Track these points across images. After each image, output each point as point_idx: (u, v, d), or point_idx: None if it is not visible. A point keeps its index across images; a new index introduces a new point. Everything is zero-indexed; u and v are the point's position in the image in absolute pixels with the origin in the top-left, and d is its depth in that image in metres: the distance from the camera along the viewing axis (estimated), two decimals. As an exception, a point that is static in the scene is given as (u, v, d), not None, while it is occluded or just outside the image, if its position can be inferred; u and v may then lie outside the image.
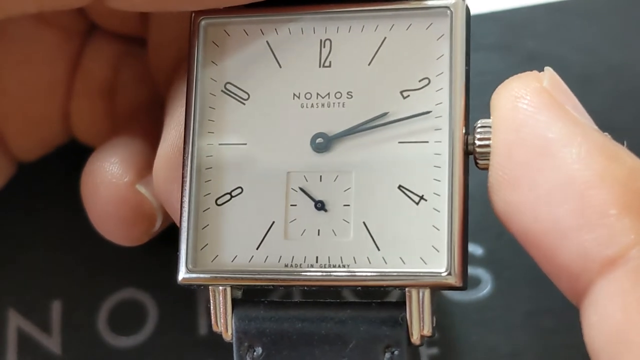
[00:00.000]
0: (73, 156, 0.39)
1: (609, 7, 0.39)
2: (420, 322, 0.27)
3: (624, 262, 0.23)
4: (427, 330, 0.27)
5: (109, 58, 0.37)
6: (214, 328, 0.29)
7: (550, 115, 0.26)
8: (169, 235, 0.35)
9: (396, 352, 0.27)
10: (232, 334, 0.29)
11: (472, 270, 0.35)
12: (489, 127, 0.27)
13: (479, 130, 0.28)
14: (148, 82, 0.37)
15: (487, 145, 0.27)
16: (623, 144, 0.26)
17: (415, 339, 0.28)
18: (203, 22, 0.30)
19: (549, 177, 0.25)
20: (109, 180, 0.33)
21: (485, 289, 0.36)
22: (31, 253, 0.39)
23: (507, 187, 0.26)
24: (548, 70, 0.27)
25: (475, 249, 0.36)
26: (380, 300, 0.28)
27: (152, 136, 0.34)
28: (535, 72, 0.27)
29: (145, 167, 0.33)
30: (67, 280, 0.38)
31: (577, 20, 0.40)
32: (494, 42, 0.40)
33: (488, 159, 0.27)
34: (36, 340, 0.38)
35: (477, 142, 0.27)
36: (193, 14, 0.30)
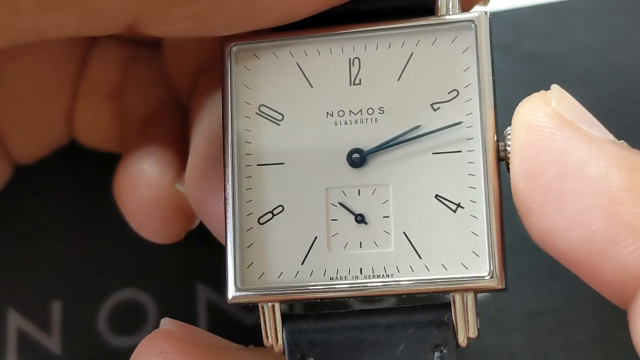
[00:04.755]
0: (74, 157, 0.39)
1: (609, 7, 0.40)
2: (465, 324, 0.28)
3: None
4: (472, 332, 0.28)
5: (117, 61, 0.37)
6: (265, 343, 0.30)
7: (564, 138, 0.26)
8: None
9: (445, 351, 0.28)
10: (284, 347, 0.29)
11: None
12: None
13: (509, 136, 0.28)
14: (163, 85, 0.37)
15: None
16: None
17: (462, 341, 0.28)
18: (234, 48, 0.31)
19: (574, 200, 0.25)
20: (149, 181, 0.33)
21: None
22: (31, 253, 0.39)
23: (536, 214, 0.26)
24: (555, 88, 0.28)
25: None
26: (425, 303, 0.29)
27: (176, 138, 0.35)
28: (542, 94, 0.28)
29: (179, 167, 0.34)
30: (67, 280, 0.39)
31: (578, 20, 0.40)
32: (495, 42, 0.40)
33: None
34: (36, 340, 0.38)
35: (509, 149, 0.28)
36: (222, 41, 0.31)
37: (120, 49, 0.37)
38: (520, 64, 0.39)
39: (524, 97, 0.37)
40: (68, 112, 0.37)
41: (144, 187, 0.33)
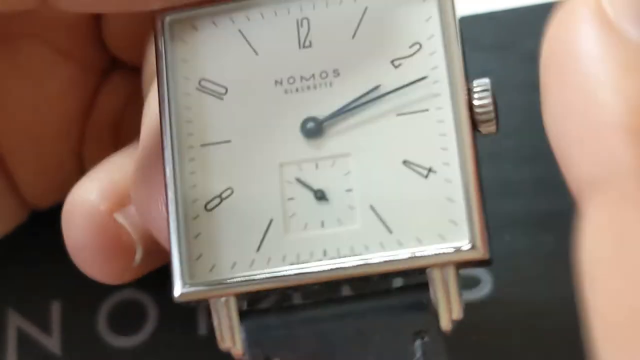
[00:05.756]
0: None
1: (608, 7, 0.39)
2: (447, 304, 0.25)
3: (612, 188, 0.21)
4: (456, 314, 0.25)
5: (123, 93, 0.36)
6: (220, 345, 0.26)
7: (583, 30, 0.22)
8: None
9: (427, 338, 0.25)
10: (244, 348, 0.26)
11: (472, 271, 0.35)
12: (487, 88, 0.26)
13: (476, 90, 0.26)
14: None
15: (487, 105, 0.26)
16: None
17: (445, 324, 0.25)
18: (168, 19, 0.28)
19: (568, 94, 0.22)
20: (85, 209, 0.31)
21: (485, 289, 0.36)
22: (31, 253, 0.39)
23: (543, 103, 0.23)
24: None
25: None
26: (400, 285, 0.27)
27: None
28: None
29: (128, 195, 0.31)
30: (67, 280, 0.39)
31: (577, 20, 0.39)
32: (494, 42, 0.40)
33: (492, 123, 0.26)
34: (36, 340, 0.38)
35: (476, 103, 0.26)
36: (155, 12, 0.28)
37: (128, 80, 0.36)
38: (519, 63, 0.39)
39: (523, 98, 0.37)
40: (77, 148, 0.36)
41: (78, 216, 0.31)
